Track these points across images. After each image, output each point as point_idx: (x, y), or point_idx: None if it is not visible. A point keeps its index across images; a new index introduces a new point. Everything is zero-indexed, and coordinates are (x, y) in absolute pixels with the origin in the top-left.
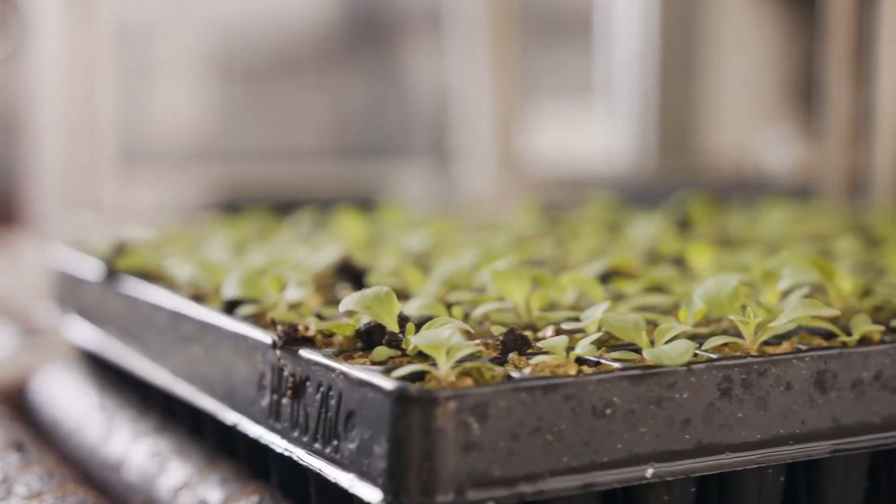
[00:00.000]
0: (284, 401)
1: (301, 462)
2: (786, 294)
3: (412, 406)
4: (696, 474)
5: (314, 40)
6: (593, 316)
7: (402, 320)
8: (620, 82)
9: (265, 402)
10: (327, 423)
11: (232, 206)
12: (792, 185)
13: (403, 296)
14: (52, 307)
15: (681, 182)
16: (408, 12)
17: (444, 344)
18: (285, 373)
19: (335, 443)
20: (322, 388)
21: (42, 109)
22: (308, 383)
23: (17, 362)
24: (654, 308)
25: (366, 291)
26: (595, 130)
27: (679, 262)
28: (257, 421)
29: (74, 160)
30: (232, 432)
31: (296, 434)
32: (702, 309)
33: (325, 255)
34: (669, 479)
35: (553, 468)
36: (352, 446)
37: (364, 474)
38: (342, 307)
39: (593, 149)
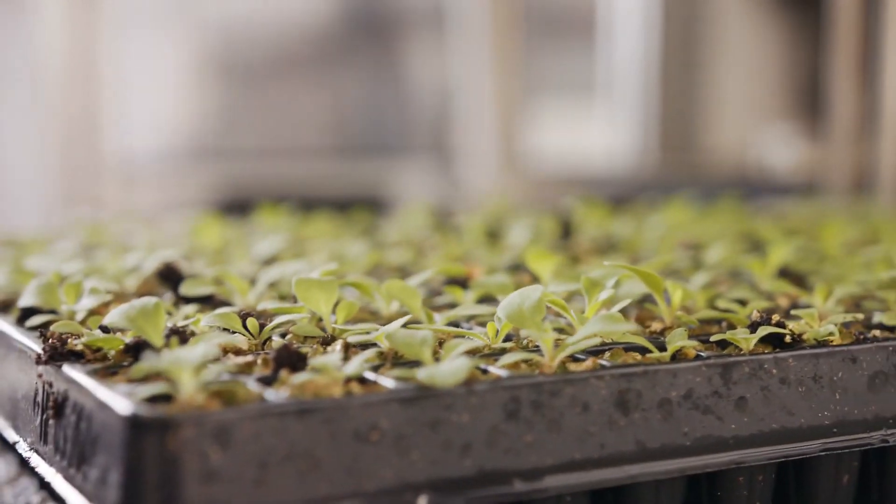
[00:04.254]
0: (51, 421)
1: (56, 491)
2: (611, 307)
3: (145, 431)
4: None
5: (316, 38)
6: (385, 330)
7: (172, 334)
8: (622, 81)
9: (37, 421)
10: (80, 447)
11: (234, 205)
12: (795, 183)
13: (223, 303)
14: None
15: (683, 180)
16: (410, 10)
17: (185, 363)
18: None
19: (85, 469)
20: (77, 409)
21: (45, 109)
22: (67, 403)
23: None
24: (478, 318)
25: (133, 303)
26: (597, 129)
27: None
28: (32, 442)
29: (76, 159)
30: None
31: (57, 458)
32: (506, 323)
33: (151, 260)
34: None
35: (308, 499)
36: (96, 473)
37: None
38: (107, 320)
39: (595, 147)
